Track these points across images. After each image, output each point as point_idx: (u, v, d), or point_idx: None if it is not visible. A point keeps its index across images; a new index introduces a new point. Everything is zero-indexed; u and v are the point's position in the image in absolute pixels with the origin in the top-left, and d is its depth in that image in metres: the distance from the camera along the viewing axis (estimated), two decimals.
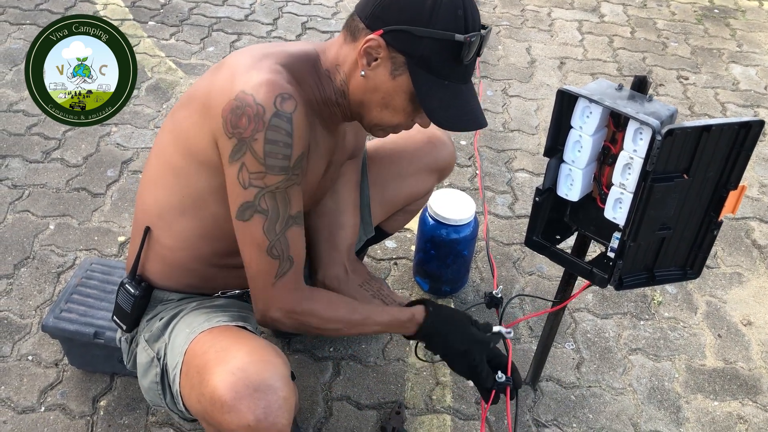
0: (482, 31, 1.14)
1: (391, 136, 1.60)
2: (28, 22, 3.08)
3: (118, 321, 1.38)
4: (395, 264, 2.10)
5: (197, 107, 1.18)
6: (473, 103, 1.19)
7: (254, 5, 3.39)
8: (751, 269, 2.21)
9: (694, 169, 1.21)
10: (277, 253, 1.18)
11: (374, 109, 1.20)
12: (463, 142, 2.63)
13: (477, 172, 2.48)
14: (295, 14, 3.35)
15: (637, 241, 1.27)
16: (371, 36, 1.12)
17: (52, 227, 2.11)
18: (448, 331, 1.40)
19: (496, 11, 3.57)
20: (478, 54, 1.15)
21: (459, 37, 1.10)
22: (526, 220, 2.29)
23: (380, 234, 1.74)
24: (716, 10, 3.81)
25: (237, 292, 1.41)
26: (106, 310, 1.63)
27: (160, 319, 1.32)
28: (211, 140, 1.15)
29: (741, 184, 1.26)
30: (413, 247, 2.14)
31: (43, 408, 1.64)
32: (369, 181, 1.59)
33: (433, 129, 1.65)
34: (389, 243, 2.16)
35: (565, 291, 1.52)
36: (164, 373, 1.26)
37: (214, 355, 1.14)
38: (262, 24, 3.25)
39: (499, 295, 1.55)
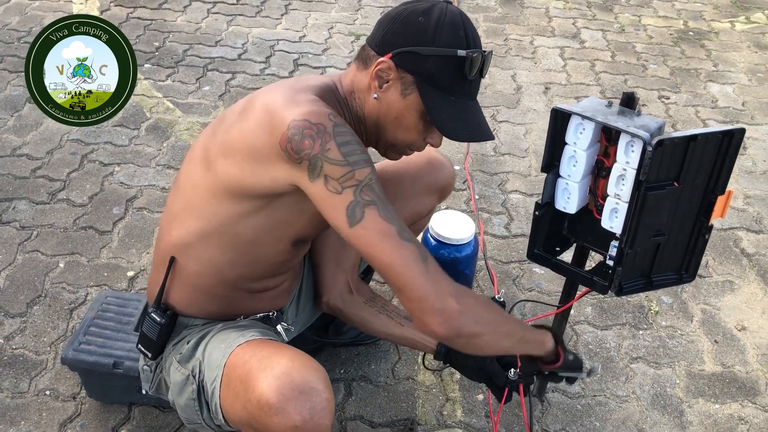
0: (485, 51, 1.23)
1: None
2: None
3: (143, 349, 1.42)
4: None
5: (243, 155, 1.20)
6: (480, 117, 1.27)
7: (246, 45, 3.49)
8: (741, 277, 2.29)
9: (684, 177, 1.29)
10: (407, 236, 1.16)
11: (389, 129, 1.28)
12: (456, 167, 2.71)
13: (471, 193, 2.56)
14: (287, 52, 3.45)
15: (634, 247, 1.35)
16: (381, 59, 1.21)
17: (61, 265, 2.15)
18: None
19: None
20: (481, 74, 1.24)
21: (461, 52, 1.20)
22: (523, 239, 2.38)
23: None
24: (691, 33, 3.95)
25: (259, 315, 1.46)
26: (123, 341, 1.68)
27: (188, 342, 1.37)
28: (275, 178, 1.18)
29: (728, 189, 1.34)
30: None
31: None
32: None
33: (433, 151, 1.74)
34: None
35: (567, 300, 1.59)
36: (200, 389, 1.31)
37: (257, 364, 1.19)
38: (255, 62, 3.34)
39: (502, 299, 1.62)
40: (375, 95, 1.24)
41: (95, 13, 3.67)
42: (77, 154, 2.64)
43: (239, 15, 3.78)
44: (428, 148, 1.72)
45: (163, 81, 3.15)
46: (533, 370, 1.52)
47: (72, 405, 1.75)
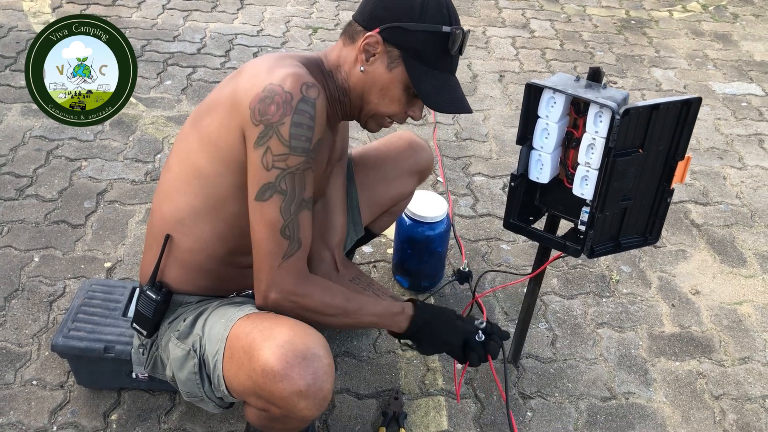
0: (465, 29, 1.31)
1: (375, 144, 1.75)
2: None
3: (138, 328, 1.46)
4: (374, 267, 2.23)
5: (223, 109, 1.27)
6: (460, 91, 1.36)
7: (205, 39, 3.50)
8: (692, 246, 2.45)
9: (648, 144, 1.40)
10: (288, 233, 1.27)
11: (372, 100, 1.35)
12: None
13: (438, 179, 2.65)
14: (246, 45, 3.48)
15: (604, 211, 1.45)
16: (369, 34, 1.29)
17: (36, 259, 2.15)
18: (437, 325, 1.52)
19: None
20: (460, 51, 1.32)
21: (446, 28, 1.28)
22: (489, 218, 2.48)
23: (368, 234, 1.87)
24: (633, 21, 4.14)
25: (251, 291, 1.51)
26: (112, 326, 1.70)
27: (184, 320, 1.42)
28: (238, 134, 1.25)
29: (686, 155, 1.45)
30: (389, 250, 2.28)
31: (55, 427, 1.68)
32: (357, 185, 1.72)
33: (413, 135, 1.82)
34: (366, 248, 2.29)
35: (540, 264, 1.69)
36: (202, 363, 1.35)
37: (259, 334, 1.24)
38: (215, 56, 3.36)
39: (467, 269, 1.69)
40: (361, 68, 1.31)
41: (46, 10, 3.62)
42: (42, 150, 2.63)
43: (195, 10, 3.79)
44: (408, 134, 1.81)
45: None
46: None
47: (60, 393, 1.76)
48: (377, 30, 1.29)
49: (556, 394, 1.87)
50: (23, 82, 3.02)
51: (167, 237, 1.39)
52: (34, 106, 2.85)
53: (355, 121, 1.45)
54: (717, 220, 2.57)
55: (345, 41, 1.35)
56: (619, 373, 1.95)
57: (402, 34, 1.28)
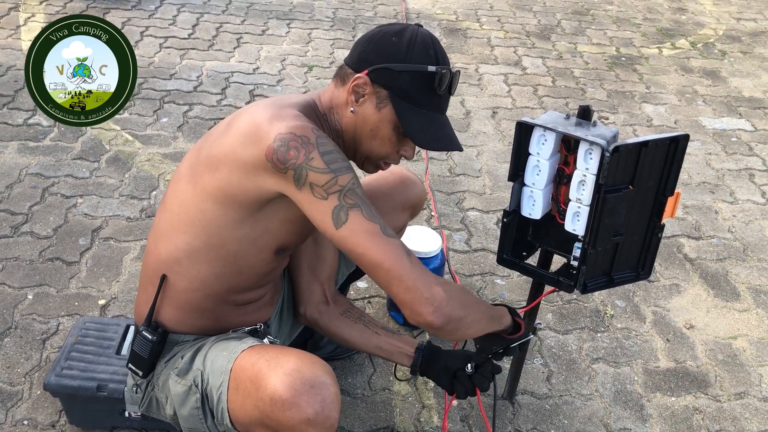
0: (453, 69, 1.34)
1: (367, 179, 1.77)
2: None
3: (134, 368, 1.45)
4: (369, 302, 2.23)
5: (230, 167, 1.27)
6: (449, 130, 1.39)
7: (201, 77, 3.54)
8: (686, 280, 2.45)
9: (638, 180, 1.42)
10: (390, 233, 1.25)
11: (364, 141, 1.37)
12: None
13: (432, 213, 2.67)
14: (242, 83, 3.52)
15: (596, 247, 1.47)
16: (358, 75, 1.32)
17: (30, 297, 2.14)
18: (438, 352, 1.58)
19: None
20: (450, 91, 1.35)
21: (431, 68, 1.31)
22: (483, 253, 2.49)
23: (360, 270, 1.88)
24: (623, 58, 4.21)
25: (247, 329, 1.51)
26: (106, 365, 1.69)
27: (182, 357, 1.41)
28: (261, 187, 1.26)
29: (676, 191, 1.47)
30: None
31: None
32: None
33: (404, 170, 1.83)
34: (361, 284, 2.29)
35: (533, 299, 1.69)
36: (204, 397, 1.35)
37: (266, 364, 1.24)
38: (212, 94, 3.40)
39: None
40: (351, 109, 1.34)
41: None
42: (38, 187, 2.64)
43: (192, 49, 3.84)
44: (400, 169, 1.83)
45: (120, 114, 3.16)
46: (492, 349, 1.57)
47: None
48: (365, 72, 1.32)
49: (552, 431, 1.86)
50: (20, 120, 3.04)
51: (163, 277, 1.40)
52: (31, 144, 2.88)
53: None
54: (710, 254, 2.59)
55: (336, 83, 1.38)
56: (615, 409, 1.94)
57: (389, 75, 1.31)
